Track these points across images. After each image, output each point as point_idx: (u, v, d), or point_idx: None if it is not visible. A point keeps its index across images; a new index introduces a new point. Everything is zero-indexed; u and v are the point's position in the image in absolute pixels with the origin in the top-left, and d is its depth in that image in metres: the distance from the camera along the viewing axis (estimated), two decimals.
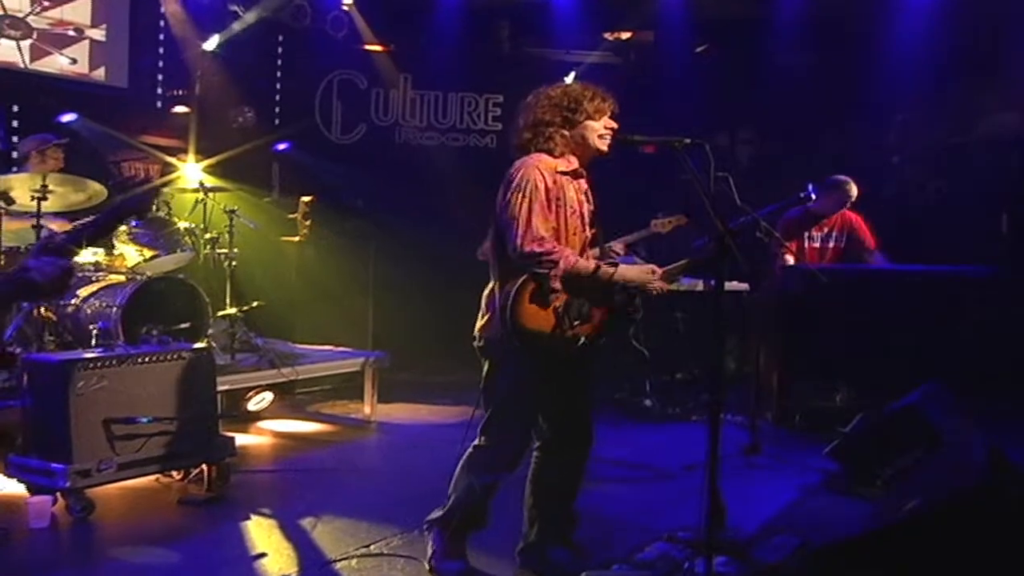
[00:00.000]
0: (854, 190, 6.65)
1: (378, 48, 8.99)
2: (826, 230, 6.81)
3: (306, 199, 7.47)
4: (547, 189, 3.48)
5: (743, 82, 8.71)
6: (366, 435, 6.52)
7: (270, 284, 7.45)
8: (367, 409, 6.75)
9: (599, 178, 3.76)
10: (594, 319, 3.56)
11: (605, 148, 3.63)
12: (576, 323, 3.49)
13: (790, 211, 6.76)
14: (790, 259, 6.59)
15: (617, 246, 4.93)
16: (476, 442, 3.72)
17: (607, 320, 3.61)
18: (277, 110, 9.00)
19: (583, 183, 3.67)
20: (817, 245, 6.81)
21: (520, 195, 3.43)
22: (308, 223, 7.43)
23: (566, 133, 3.59)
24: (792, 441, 6.18)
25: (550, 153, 3.58)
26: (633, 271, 3.57)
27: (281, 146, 8.70)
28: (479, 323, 3.67)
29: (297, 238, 7.47)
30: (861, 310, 6.27)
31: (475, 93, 9.12)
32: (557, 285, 3.42)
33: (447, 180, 8.63)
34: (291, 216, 7.45)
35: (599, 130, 3.61)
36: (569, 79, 7.88)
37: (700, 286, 6.55)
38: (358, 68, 9.00)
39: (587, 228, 3.66)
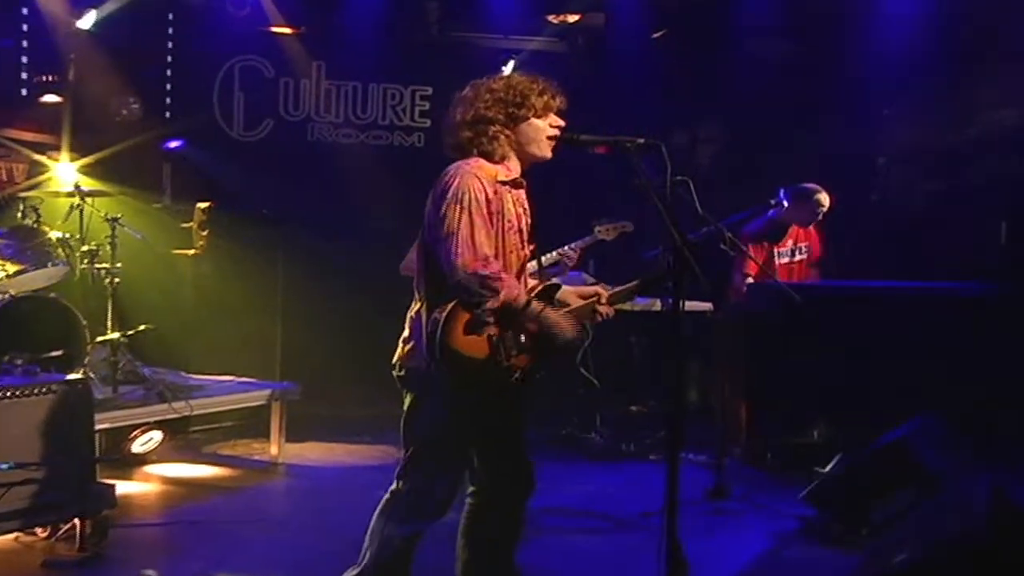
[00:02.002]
0: (826, 199, 6.71)
1: (287, 30, 8.93)
2: (791, 243, 6.91)
3: (203, 206, 7.38)
4: (488, 200, 3.48)
5: (706, 73, 8.80)
6: (272, 479, 6.47)
7: (160, 304, 7.36)
8: (274, 449, 6.70)
9: (541, 181, 3.78)
10: (532, 349, 3.56)
11: (550, 153, 3.65)
12: (513, 353, 3.49)
13: (750, 224, 6.82)
14: (750, 278, 6.67)
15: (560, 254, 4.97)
16: (394, 487, 3.71)
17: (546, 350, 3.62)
18: (168, 101, 8.87)
19: (522, 193, 3.68)
20: (785, 261, 6.90)
21: (458, 207, 3.42)
22: (205, 233, 7.35)
23: (509, 133, 3.60)
24: (763, 483, 6.25)
25: (489, 157, 3.58)
26: (566, 318, 3.56)
27: (173, 144, 8.60)
28: (401, 349, 3.66)
29: (192, 251, 7.38)
30: (841, 333, 6.36)
31: (399, 84, 9.09)
32: (489, 318, 3.42)
33: (368, 184, 8.59)
34: (185, 225, 7.36)
35: (545, 130, 3.63)
36: (508, 68, 7.95)
37: (657, 306, 6.61)
38: (263, 53, 8.92)
39: (525, 245, 3.67)
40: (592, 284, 3.93)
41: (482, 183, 3.48)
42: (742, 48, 8.68)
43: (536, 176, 3.75)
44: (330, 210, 8.44)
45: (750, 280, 6.67)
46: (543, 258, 4.77)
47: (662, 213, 3.40)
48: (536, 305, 3.50)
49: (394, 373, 3.67)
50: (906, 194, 8.63)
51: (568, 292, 3.72)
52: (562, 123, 3.66)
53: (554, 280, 3.86)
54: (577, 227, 5.47)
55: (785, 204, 6.39)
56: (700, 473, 6.05)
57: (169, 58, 8.85)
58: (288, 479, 6.48)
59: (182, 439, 6.99)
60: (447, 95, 3.78)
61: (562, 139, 3.66)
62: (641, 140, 3.54)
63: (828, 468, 5.78)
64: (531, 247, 3.73)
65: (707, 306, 6.63)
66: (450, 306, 3.41)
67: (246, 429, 7.22)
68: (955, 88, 8.18)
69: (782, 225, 6.87)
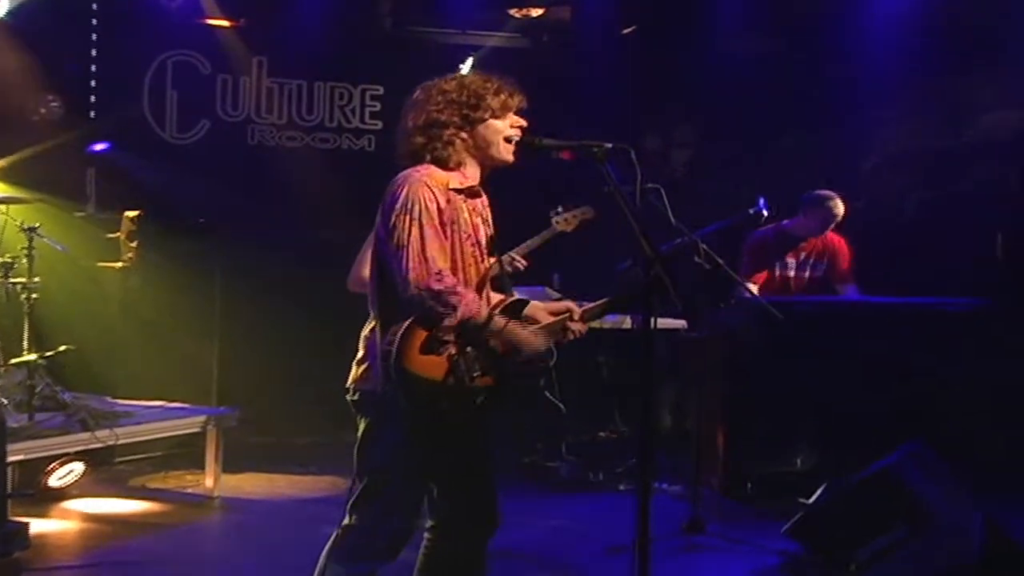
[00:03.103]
0: (840, 207, 6.84)
1: (224, 23, 8.91)
2: (803, 256, 6.98)
3: (131, 214, 7.35)
4: (440, 210, 3.49)
5: (680, 72, 8.86)
6: (207, 515, 6.43)
7: (83, 323, 7.31)
8: (209, 481, 6.66)
9: (496, 189, 3.78)
10: (497, 371, 3.56)
11: (511, 157, 3.66)
12: (477, 374, 3.48)
13: (759, 231, 6.90)
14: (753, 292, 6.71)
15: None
16: (345, 521, 3.68)
17: (513, 370, 3.62)
18: (92, 99, 8.80)
19: (479, 203, 3.68)
20: (791, 274, 6.97)
21: (408, 218, 3.43)
22: (134, 245, 7.32)
23: (466, 137, 3.61)
24: (742, 515, 6.27)
25: (443, 163, 3.59)
26: (534, 332, 3.58)
27: (98, 146, 8.54)
28: (355, 371, 3.65)
29: (119, 264, 7.35)
30: (825, 352, 6.41)
31: (348, 83, 9.09)
32: (449, 336, 3.42)
33: (314, 191, 8.58)
34: (111, 236, 7.32)
35: (505, 131, 3.64)
36: (466, 67, 7.96)
37: (628, 323, 6.63)
38: (199, 48, 8.89)
39: (485, 257, 3.67)
40: (557, 299, 3.93)
41: (433, 192, 3.49)
42: (719, 46, 8.75)
43: (493, 183, 3.75)
44: (272, 219, 8.40)
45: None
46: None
47: (631, 223, 3.41)
48: (499, 320, 3.50)
49: (348, 397, 3.66)
50: (895, 202, 8.70)
51: (537, 308, 3.71)
52: (523, 122, 3.67)
53: (520, 296, 3.85)
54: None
55: (765, 213, 6.44)
56: (674, 505, 6.07)
57: (93, 51, 8.77)
58: (225, 514, 6.44)
59: (106, 471, 6.92)
60: (399, 95, 3.78)
61: (523, 142, 3.67)
62: (609, 144, 3.55)
63: (813, 499, 5.80)
64: (493, 260, 3.73)
65: (681, 323, 6.66)
66: (406, 324, 3.41)
67: (178, 460, 7.16)
68: (948, 89, 8.27)
69: (789, 236, 6.95)
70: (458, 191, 3.58)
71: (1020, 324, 6.67)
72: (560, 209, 5.26)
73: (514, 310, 3.68)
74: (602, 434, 7.66)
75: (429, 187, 3.49)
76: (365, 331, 3.65)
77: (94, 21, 8.71)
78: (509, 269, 5.14)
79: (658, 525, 3.47)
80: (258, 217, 8.32)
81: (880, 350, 6.42)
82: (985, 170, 8.23)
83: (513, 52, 9.08)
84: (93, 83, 8.75)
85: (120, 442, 6.29)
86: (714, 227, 6.22)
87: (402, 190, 3.47)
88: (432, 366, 3.43)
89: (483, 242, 3.67)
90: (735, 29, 8.72)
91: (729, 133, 8.87)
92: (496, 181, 3.76)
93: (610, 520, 6.01)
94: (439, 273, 3.41)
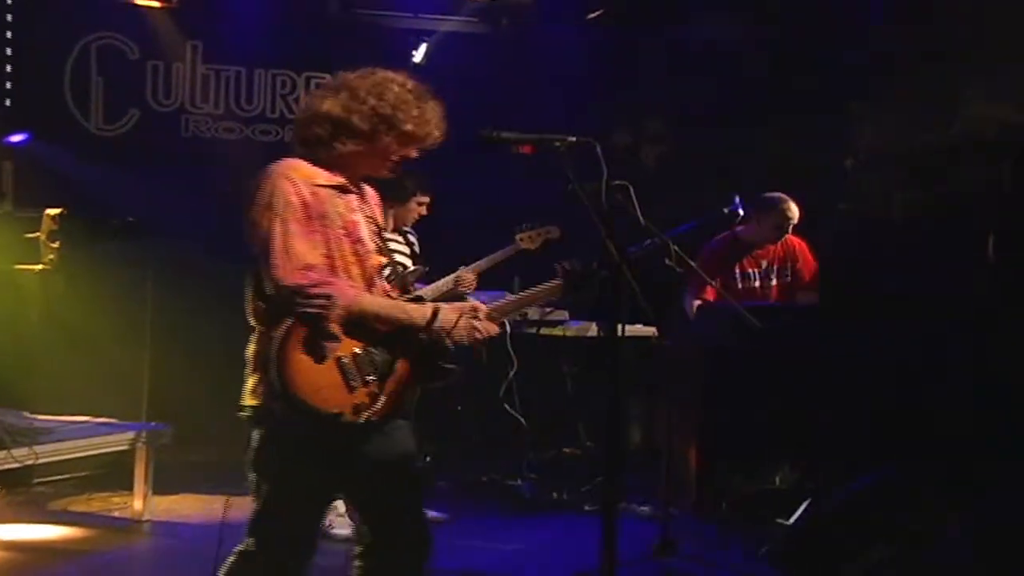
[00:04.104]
0: (794, 210, 6.83)
1: (155, 3, 8.87)
2: (764, 264, 6.99)
3: (52, 212, 7.31)
4: (304, 204, 3.50)
5: (651, 60, 8.90)
6: (135, 541, 6.41)
7: None
8: (138, 504, 6.63)
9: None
10: (396, 372, 3.57)
11: (384, 173, 3.72)
12: (370, 379, 3.49)
13: (713, 240, 6.92)
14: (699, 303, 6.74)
15: (469, 274, 5.04)
16: (241, 546, 3.65)
17: (415, 373, 3.63)
18: (8, 86, 8.76)
19: (355, 198, 3.70)
20: (756, 284, 6.97)
21: (270, 213, 3.45)
22: (55, 245, 7.28)
23: (359, 146, 3.62)
24: (717, 537, 6.30)
25: (319, 162, 3.62)
26: (444, 309, 3.62)
27: (15, 138, 8.48)
28: (248, 385, 3.61)
29: (39, 266, 7.30)
30: (805, 362, 6.45)
31: (291, 70, 9.10)
32: (335, 329, 3.43)
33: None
34: (30, 235, 7.27)
35: (390, 156, 3.68)
36: (419, 55, 7.97)
37: (593, 330, 6.65)
38: (127, 31, 8.87)
39: (370, 255, 3.68)
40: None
41: (296, 185, 3.51)
42: (693, 32, 8.79)
43: (449, 181, 3.76)
44: (209, 218, 8.35)
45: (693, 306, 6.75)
46: (440, 282, 4.81)
47: (597, 223, 3.43)
48: (409, 308, 3.56)
49: (241, 414, 3.62)
50: (879, 201, 8.77)
51: (440, 307, 3.72)
52: (412, 155, 3.69)
53: (417, 292, 3.87)
54: (498, 238, 5.49)
55: (740, 212, 6.48)
56: (643, 527, 6.09)
57: (9, 34, 8.73)
58: (155, 540, 6.42)
59: (23, 493, 6.88)
60: None
61: (482, 137, 3.69)
62: (573, 138, 3.58)
63: (793, 519, 5.86)
64: (382, 259, 3.73)
65: (651, 331, 6.70)
66: (285, 328, 3.40)
67: (104, 480, 7.13)
68: (937, 81, 8.35)
69: (743, 243, 6.96)
70: (327, 187, 3.60)
71: (1012, 328, 6.75)
72: (524, 226, 5.29)
73: None
74: (566, 450, 7.70)
75: (291, 180, 3.51)
76: (251, 343, 3.63)
77: (8, 1, 8.66)
78: (463, 286, 5.18)
79: (626, 548, 3.49)
80: (193, 216, 8.29)
81: (864, 358, 6.47)
82: (975, 168, 8.30)
83: (470, 38, 9.07)
84: (9, 68, 8.70)
85: (39, 461, 6.22)
86: (687, 227, 6.24)
87: (264, 183, 3.50)
88: (317, 373, 3.42)
89: (365, 238, 3.68)
90: (710, 15, 8.76)
91: (703, 127, 8.90)
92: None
93: (574, 543, 6.03)
94: (306, 268, 3.42)
